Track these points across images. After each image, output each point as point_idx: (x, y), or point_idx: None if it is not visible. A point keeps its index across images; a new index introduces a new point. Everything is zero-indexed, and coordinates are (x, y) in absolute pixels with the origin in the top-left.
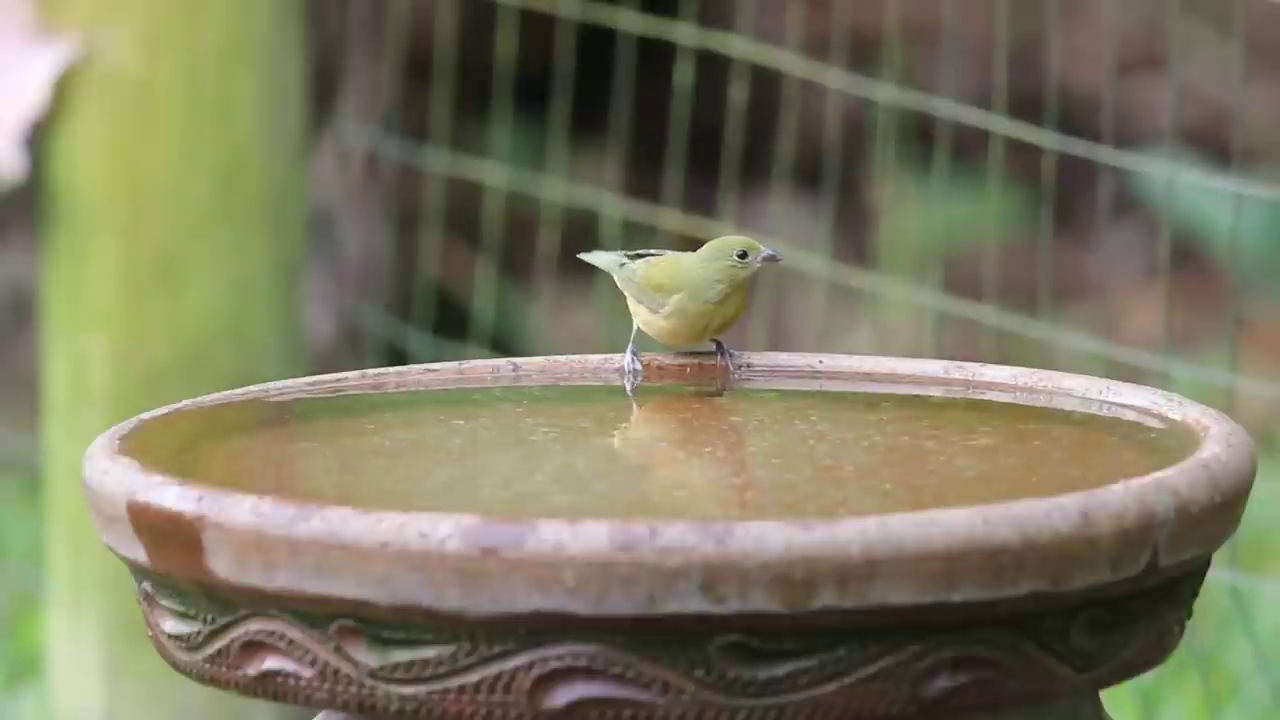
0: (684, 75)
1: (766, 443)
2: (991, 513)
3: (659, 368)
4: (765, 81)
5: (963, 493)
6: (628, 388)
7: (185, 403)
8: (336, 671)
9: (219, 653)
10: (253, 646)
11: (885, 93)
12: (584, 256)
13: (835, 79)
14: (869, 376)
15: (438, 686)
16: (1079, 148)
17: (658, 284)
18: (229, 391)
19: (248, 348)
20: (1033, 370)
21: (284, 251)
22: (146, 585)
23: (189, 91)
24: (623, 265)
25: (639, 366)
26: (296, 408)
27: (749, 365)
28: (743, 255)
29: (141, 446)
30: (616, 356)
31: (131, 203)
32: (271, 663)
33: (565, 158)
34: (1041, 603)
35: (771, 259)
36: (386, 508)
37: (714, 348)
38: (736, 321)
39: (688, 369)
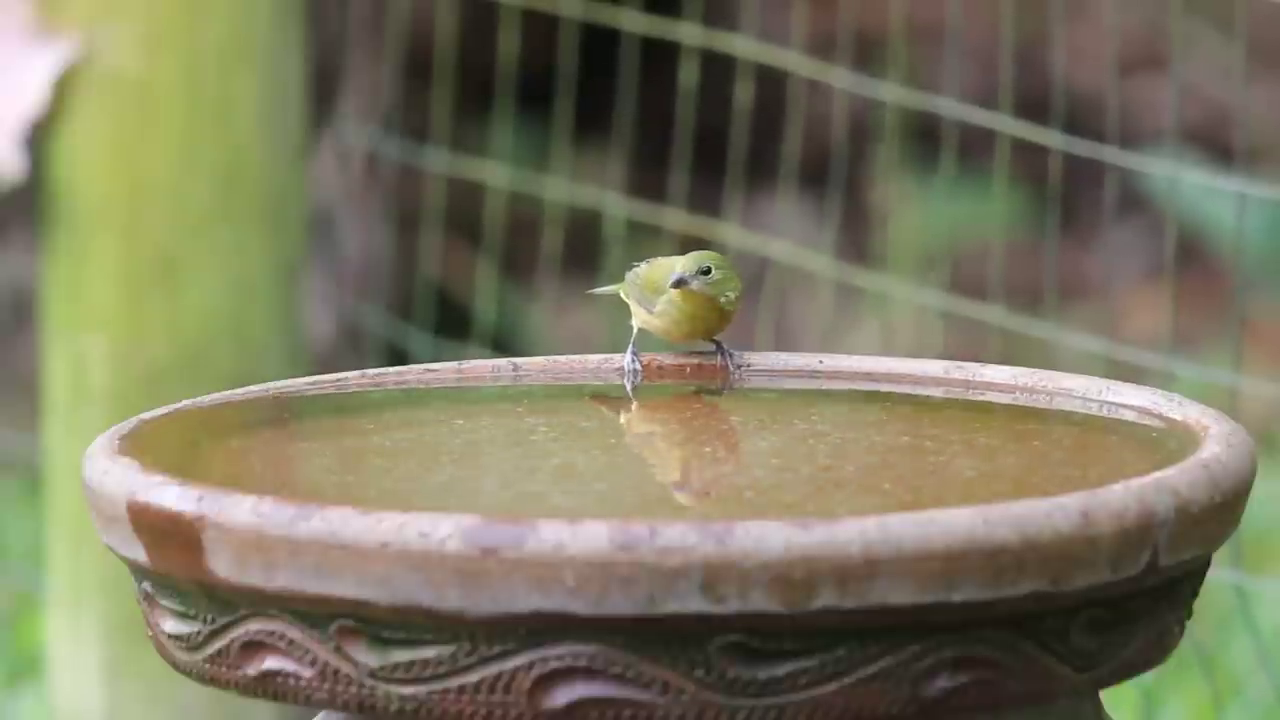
0: (688, 75)
1: (766, 443)
2: (991, 513)
3: (659, 367)
4: (770, 81)
5: (963, 493)
6: (628, 387)
7: (185, 403)
8: (336, 671)
9: (219, 653)
10: (253, 646)
11: (890, 92)
12: (592, 292)
13: (840, 79)
14: (869, 376)
15: (438, 686)
16: (1083, 147)
17: (654, 285)
18: (229, 391)
19: (248, 348)
20: (1033, 370)
21: (284, 251)
22: (146, 585)
23: (189, 91)
24: (629, 271)
25: (639, 366)
26: (296, 408)
27: (749, 365)
28: (678, 283)
29: (141, 446)
30: (616, 356)
31: (131, 203)
32: (271, 663)
33: (568, 157)
34: (1041, 603)
35: (677, 283)
36: (386, 508)
37: (714, 348)
38: (733, 319)
39: (688, 369)
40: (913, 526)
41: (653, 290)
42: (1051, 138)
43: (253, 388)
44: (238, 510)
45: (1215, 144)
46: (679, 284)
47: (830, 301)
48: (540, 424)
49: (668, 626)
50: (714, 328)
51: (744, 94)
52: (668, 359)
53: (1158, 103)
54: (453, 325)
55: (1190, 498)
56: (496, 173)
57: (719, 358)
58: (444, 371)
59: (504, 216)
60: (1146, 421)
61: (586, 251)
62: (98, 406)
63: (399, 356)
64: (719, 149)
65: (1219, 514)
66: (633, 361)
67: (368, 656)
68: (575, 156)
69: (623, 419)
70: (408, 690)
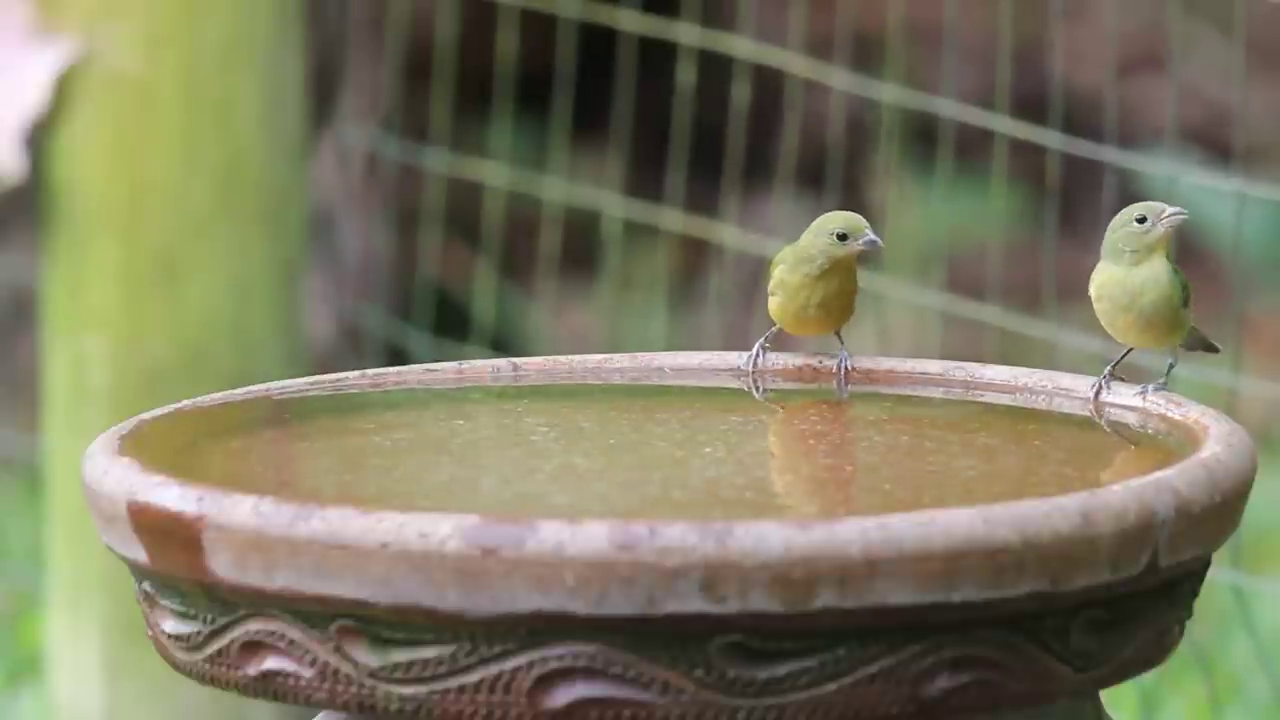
0: (686, 75)
1: (766, 443)
2: (991, 513)
3: (659, 368)
4: (767, 81)
5: (963, 493)
6: (749, 368)
7: (185, 403)
8: (336, 671)
9: (219, 653)
10: (253, 646)
11: (888, 92)
12: None
13: (838, 79)
14: (869, 376)
15: (438, 686)
16: (1081, 147)
17: (775, 263)
18: (229, 391)
19: (248, 348)
20: (1033, 370)
21: (284, 251)
22: (146, 585)
23: (189, 91)
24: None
25: (759, 356)
26: (296, 408)
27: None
28: (842, 237)
29: (141, 446)
30: (617, 356)
31: (131, 203)
32: (271, 663)
33: (566, 157)
34: (1041, 603)
35: (872, 245)
36: (386, 508)
37: (838, 342)
38: (850, 305)
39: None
40: (913, 526)
41: (774, 268)
42: (1050, 138)
43: (253, 388)
44: (238, 510)
45: (1214, 144)
46: (871, 244)
47: None
48: (540, 424)
49: (668, 626)
50: (828, 309)
51: (742, 94)
52: (668, 359)
53: (1157, 103)
54: (452, 325)
55: (1190, 498)
56: (495, 173)
57: (836, 363)
58: (444, 371)
59: (503, 216)
60: (1146, 421)
61: (585, 251)
62: (98, 406)
63: (399, 356)
64: (717, 149)
65: (1219, 514)
66: (758, 354)
67: (368, 656)
68: (573, 156)
69: (623, 419)
70: (408, 690)
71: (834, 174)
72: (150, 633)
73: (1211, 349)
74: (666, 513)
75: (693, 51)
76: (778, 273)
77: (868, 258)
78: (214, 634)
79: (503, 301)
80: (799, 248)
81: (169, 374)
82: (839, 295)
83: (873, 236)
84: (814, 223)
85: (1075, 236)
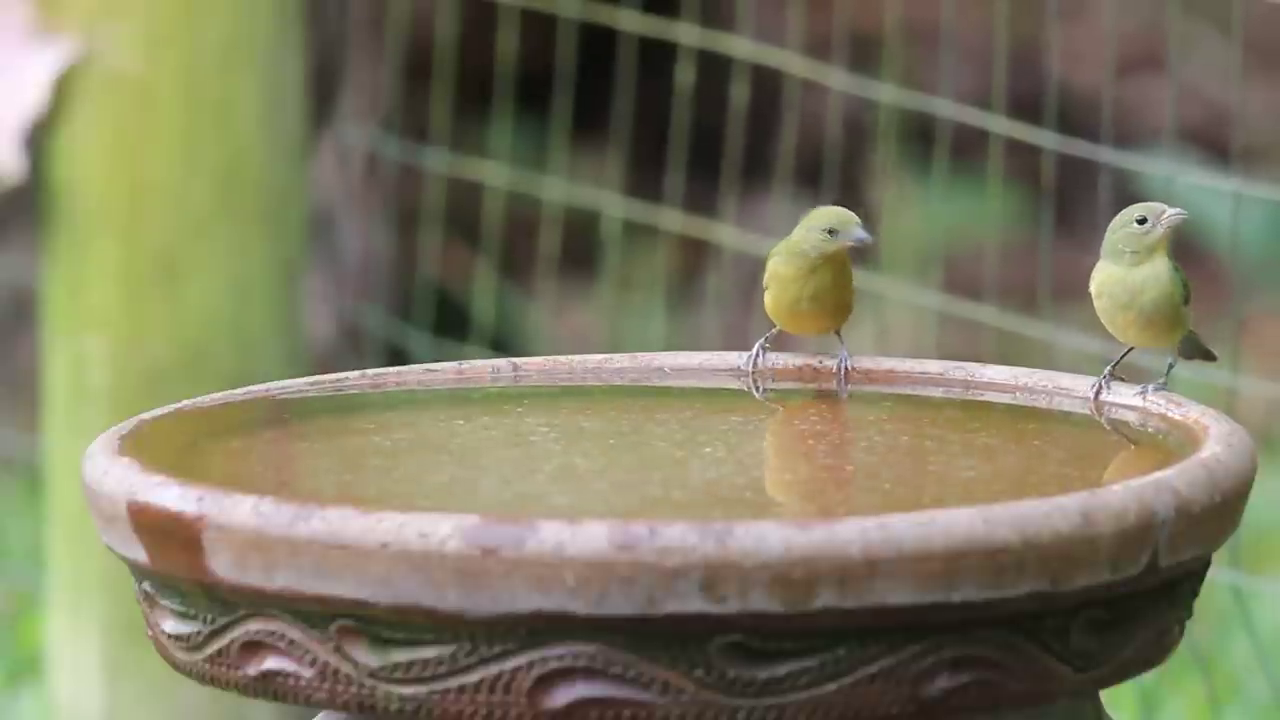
0: (685, 75)
1: (766, 443)
2: (991, 513)
3: (659, 368)
4: (766, 82)
5: (963, 493)
6: (749, 368)
7: (185, 403)
8: (336, 671)
9: (219, 653)
10: (253, 646)
11: (886, 93)
12: None
13: (836, 79)
14: (869, 376)
15: (438, 686)
16: (1079, 148)
17: (770, 256)
18: (229, 391)
19: (248, 348)
20: (1032, 370)
21: (284, 251)
22: (146, 585)
23: (189, 91)
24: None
25: (759, 356)
26: (296, 408)
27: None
28: (832, 232)
29: (141, 446)
30: (617, 356)
31: (131, 203)
32: (271, 663)
33: (566, 158)
34: (1041, 603)
35: (861, 240)
36: (386, 508)
37: (838, 341)
38: (847, 301)
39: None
40: (913, 526)
41: (769, 260)
42: (1047, 138)
43: (253, 388)
44: (238, 510)
45: (1212, 144)
46: (861, 241)
47: None
48: (540, 424)
49: (668, 626)
50: (821, 303)
51: (740, 94)
52: (668, 359)
53: (1155, 103)
54: (452, 325)
55: (1190, 498)
56: (495, 173)
57: (836, 362)
58: (444, 372)
59: (503, 216)
60: (1146, 421)
61: (585, 251)
62: (98, 406)
63: (399, 356)
64: (715, 149)
65: (1219, 514)
66: (759, 354)
67: (368, 656)
68: (573, 156)
69: (623, 419)
70: (408, 690)
71: (832, 174)
72: (150, 633)
73: (1209, 357)
74: (666, 513)
75: (692, 52)
76: (771, 265)
77: (858, 252)
78: (214, 634)
79: (503, 301)
80: (791, 242)
81: (169, 374)
82: (832, 290)
83: (862, 232)
84: (805, 217)
85: (1072, 237)
